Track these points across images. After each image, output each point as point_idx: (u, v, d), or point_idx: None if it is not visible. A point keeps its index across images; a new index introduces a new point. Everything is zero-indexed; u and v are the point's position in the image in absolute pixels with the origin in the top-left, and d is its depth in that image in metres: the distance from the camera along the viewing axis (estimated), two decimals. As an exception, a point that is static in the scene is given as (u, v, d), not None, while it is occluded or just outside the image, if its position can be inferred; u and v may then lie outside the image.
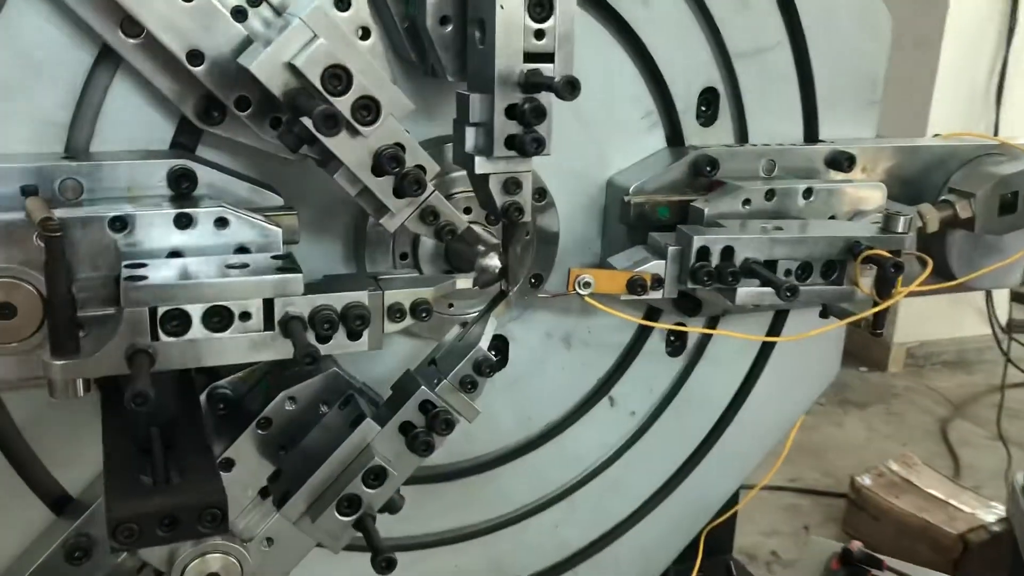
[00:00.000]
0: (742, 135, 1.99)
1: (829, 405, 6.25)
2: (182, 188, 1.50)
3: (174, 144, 1.57)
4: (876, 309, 1.74)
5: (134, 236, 1.41)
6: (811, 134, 2.05)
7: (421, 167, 1.43)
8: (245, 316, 1.34)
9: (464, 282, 1.56)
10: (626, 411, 2.11)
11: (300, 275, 1.36)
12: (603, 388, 2.07)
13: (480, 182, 1.52)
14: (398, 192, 1.42)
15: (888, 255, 1.65)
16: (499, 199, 1.51)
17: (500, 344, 1.96)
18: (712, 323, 2.10)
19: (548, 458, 2.07)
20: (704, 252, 1.70)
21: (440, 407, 1.51)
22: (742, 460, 2.26)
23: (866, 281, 1.76)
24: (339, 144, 1.36)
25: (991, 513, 4.29)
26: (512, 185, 1.51)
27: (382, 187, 1.42)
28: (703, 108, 1.96)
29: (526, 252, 1.86)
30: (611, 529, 2.17)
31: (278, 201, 1.58)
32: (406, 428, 1.51)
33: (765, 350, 2.18)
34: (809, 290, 1.70)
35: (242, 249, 1.47)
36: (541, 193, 1.84)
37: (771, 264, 1.72)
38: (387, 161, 1.37)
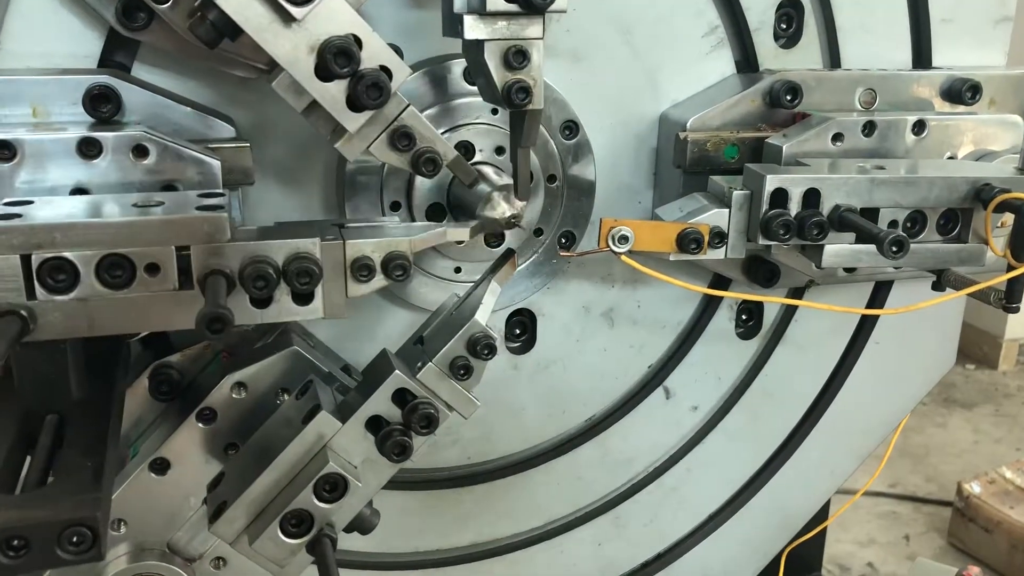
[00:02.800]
0: (833, 59, 1.59)
1: (931, 404, 6.00)
2: (102, 112, 1.19)
3: (105, 63, 1.26)
4: (1012, 274, 1.30)
5: (27, 168, 1.11)
6: (922, 59, 1.63)
7: (385, 68, 1.07)
8: (152, 269, 1.01)
9: (458, 232, 1.19)
10: (686, 405, 1.73)
11: (224, 215, 1.02)
12: (657, 377, 1.71)
13: (475, 56, 1.16)
14: (353, 102, 1.06)
15: (1034, 199, 1.22)
16: (499, 77, 1.15)
17: (526, 320, 1.60)
18: (794, 298, 1.69)
19: (588, 461, 1.72)
20: (781, 196, 1.30)
21: (420, 398, 1.15)
22: (832, 468, 1.86)
23: (998, 240, 1.33)
24: (267, 34, 1.01)
25: None
26: (516, 56, 1.15)
27: (332, 96, 1.06)
28: (783, 25, 1.58)
29: (554, 203, 1.49)
30: (667, 549, 1.84)
31: (230, 132, 1.26)
32: (376, 424, 1.16)
33: (862, 332, 1.78)
34: (922, 248, 1.29)
35: (169, 187, 1.15)
36: (572, 128, 1.47)
37: (871, 213, 1.31)
38: (333, 57, 1.01)
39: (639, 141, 1.56)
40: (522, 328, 1.61)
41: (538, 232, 1.50)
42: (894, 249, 1.17)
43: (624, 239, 1.29)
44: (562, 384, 1.65)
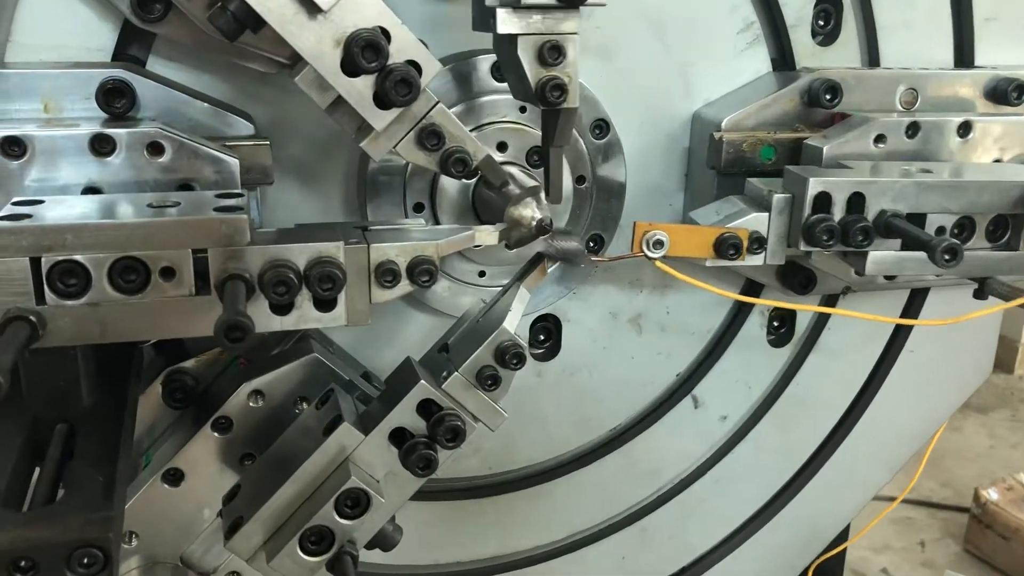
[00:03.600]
0: (872, 57, 1.53)
1: None
2: (116, 107, 1.14)
3: (119, 56, 1.21)
4: (1067, 284, 1.24)
5: (38, 165, 1.06)
6: (963, 58, 1.56)
7: (414, 63, 1.01)
8: (168, 273, 0.96)
9: (486, 236, 1.13)
10: (715, 414, 1.67)
11: (244, 217, 0.97)
12: (685, 385, 1.65)
13: (506, 51, 1.11)
14: (380, 99, 1.01)
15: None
16: (532, 73, 1.09)
17: (550, 326, 1.55)
18: (828, 305, 1.63)
19: (614, 471, 1.66)
20: (824, 200, 1.24)
21: (446, 409, 1.10)
22: (864, 479, 1.81)
23: (1049, 245, 1.27)
24: (290, 26, 0.95)
25: None
26: (551, 52, 1.09)
27: (358, 93, 1.00)
28: (820, 22, 1.52)
29: (582, 205, 1.43)
30: (693, 563, 1.78)
31: (248, 129, 1.21)
32: (399, 437, 1.10)
33: (896, 340, 1.72)
34: (970, 256, 1.22)
35: (186, 187, 1.09)
36: (602, 127, 1.42)
37: (917, 219, 1.25)
38: (361, 51, 0.96)
39: (670, 141, 1.50)
40: (547, 334, 1.56)
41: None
42: (947, 257, 1.12)
43: (659, 244, 1.24)
44: (587, 392, 1.60)
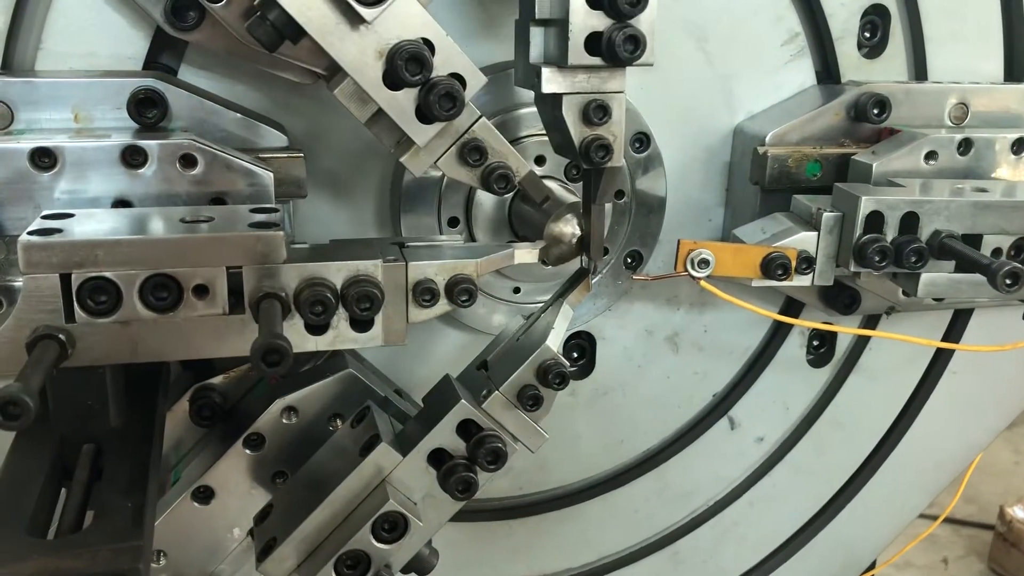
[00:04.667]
0: (919, 70, 1.48)
1: None
2: (147, 117, 1.11)
3: (150, 65, 1.18)
4: None
5: (68, 177, 1.03)
6: (1014, 71, 1.51)
7: (458, 76, 0.97)
8: (201, 291, 0.92)
9: (527, 254, 1.10)
10: (752, 436, 1.63)
11: (280, 234, 0.93)
12: (722, 406, 1.61)
13: (551, 109, 1.07)
14: (423, 113, 0.97)
15: None
16: (576, 132, 1.05)
17: (584, 344, 1.50)
18: (870, 325, 1.58)
19: (646, 494, 1.62)
20: (876, 220, 1.19)
21: (487, 430, 1.06)
22: (902, 504, 1.75)
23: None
24: (332, 36, 0.92)
25: None
26: (596, 111, 1.05)
27: (400, 107, 0.97)
28: (867, 34, 1.47)
29: (621, 220, 1.39)
30: None
31: (281, 141, 1.17)
32: (439, 458, 1.06)
33: (939, 361, 1.67)
34: (1032, 279, 1.17)
35: (218, 200, 1.06)
36: (642, 140, 1.37)
37: (972, 240, 1.20)
38: (404, 64, 0.92)
39: (711, 155, 1.46)
40: (580, 352, 1.51)
41: (603, 252, 1.40)
42: (1008, 282, 1.07)
43: (705, 263, 1.19)
44: (621, 412, 1.55)
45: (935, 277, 1.22)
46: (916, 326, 1.60)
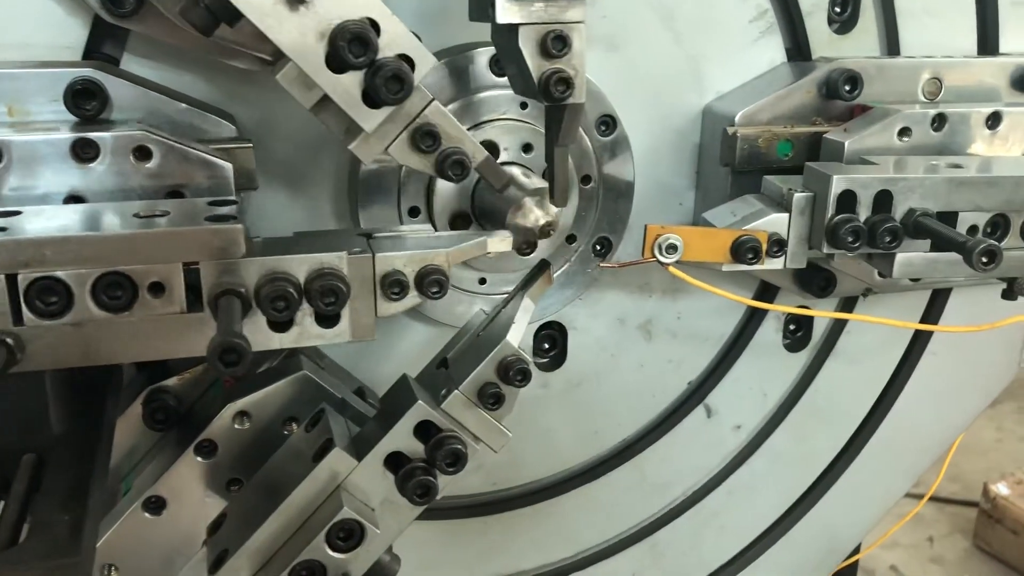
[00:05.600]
0: (891, 46, 1.44)
1: None
2: (85, 109, 1.05)
3: (91, 55, 1.12)
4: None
5: (15, 173, 0.98)
6: (987, 45, 1.48)
7: (406, 58, 0.93)
8: (156, 289, 0.88)
9: (499, 243, 1.05)
10: (729, 424, 1.59)
11: (239, 227, 0.89)
12: (697, 394, 1.57)
13: (506, 42, 1.02)
14: (370, 97, 0.92)
15: None
16: (535, 66, 1.00)
17: (555, 334, 1.46)
18: (847, 307, 1.55)
19: (623, 486, 1.58)
20: (848, 199, 1.15)
21: (446, 431, 1.01)
22: (884, 488, 1.73)
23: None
24: (269, 19, 0.87)
25: None
26: (555, 42, 1.00)
27: (345, 90, 0.92)
28: (837, 9, 1.43)
29: (588, 206, 1.35)
30: None
31: (230, 131, 1.12)
32: (396, 461, 1.02)
33: (918, 343, 1.64)
34: (1007, 256, 1.14)
35: (175, 194, 1.01)
36: (608, 123, 1.33)
37: (947, 218, 1.17)
38: (347, 45, 0.87)
39: (681, 137, 1.42)
40: (552, 343, 1.47)
41: (571, 239, 1.36)
42: (984, 260, 1.03)
43: (673, 248, 1.15)
44: (595, 403, 1.51)
45: (911, 257, 1.19)
46: (894, 307, 1.57)
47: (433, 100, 0.98)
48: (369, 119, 0.93)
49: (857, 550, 1.84)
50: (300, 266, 0.94)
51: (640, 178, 1.40)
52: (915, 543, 4.58)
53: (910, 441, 1.70)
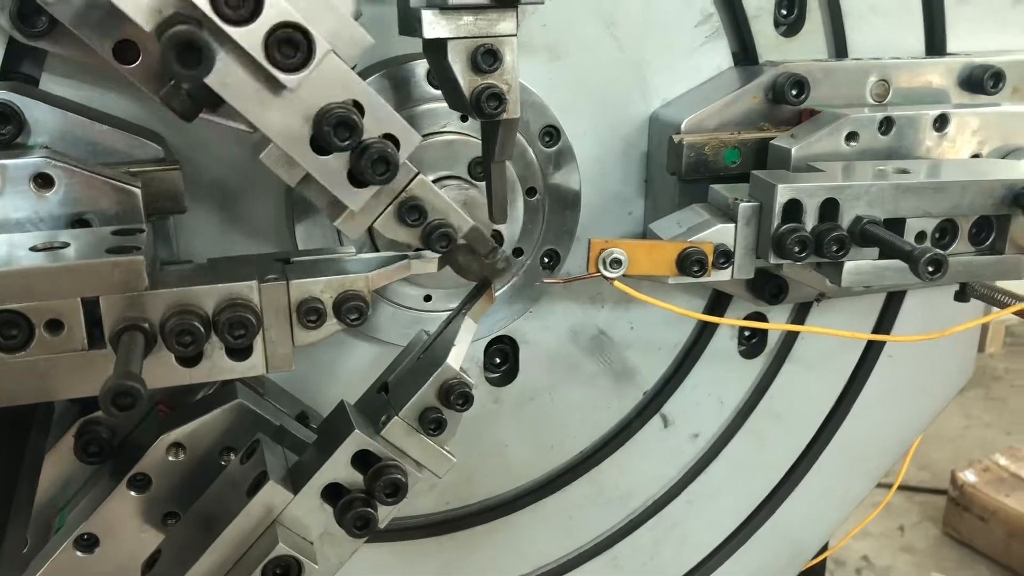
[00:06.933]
0: (838, 48, 1.43)
1: None
2: (0, 133, 1.00)
3: (8, 75, 1.08)
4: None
5: (-91, 205, 0.92)
6: (936, 45, 1.47)
7: (391, 137, 0.90)
8: (54, 326, 0.84)
9: (423, 264, 1.02)
10: (686, 433, 1.58)
11: (140, 259, 0.85)
12: (654, 404, 1.55)
13: (436, 57, 1.00)
14: (356, 177, 0.89)
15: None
16: (465, 82, 0.98)
17: (507, 349, 1.43)
18: (801, 313, 1.53)
19: (580, 499, 1.56)
20: (794, 208, 1.13)
21: (385, 460, 0.98)
22: (844, 492, 1.71)
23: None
24: (253, 105, 0.83)
25: None
26: (485, 57, 0.98)
27: (330, 172, 0.89)
28: (783, 12, 1.41)
29: (534, 219, 1.32)
30: None
31: (156, 153, 1.08)
32: (334, 493, 0.99)
33: (874, 345, 1.63)
34: (956, 261, 1.13)
35: (81, 223, 0.97)
36: (552, 134, 1.30)
37: (895, 224, 1.15)
38: (333, 129, 0.84)
39: (628, 145, 1.39)
40: (503, 357, 1.45)
41: (518, 252, 1.33)
42: (931, 269, 1.02)
43: (617, 262, 1.13)
44: (549, 416, 1.49)
45: (859, 265, 1.17)
46: (848, 312, 1.56)
47: (418, 174, 0.96)
48: (355, 198, 0.91)
49: (825, 547, 1.83)
50: (208, 297, 0.91)
51: (588, 188, 1.37)
52: (886, 532, 4.61)
53: (869, 444, 1.69)
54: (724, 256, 1.17)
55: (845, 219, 1.14)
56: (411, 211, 0.99)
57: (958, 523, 4.43)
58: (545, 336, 1.44)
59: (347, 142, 0.88)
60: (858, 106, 1.35)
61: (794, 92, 1.31)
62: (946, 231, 1.19)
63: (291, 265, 0.99)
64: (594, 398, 1.50)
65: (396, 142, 0.92)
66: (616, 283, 1.14)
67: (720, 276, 1.18)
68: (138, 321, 0.85)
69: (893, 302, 1.59)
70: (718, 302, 1.49)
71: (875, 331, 1.61)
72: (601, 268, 1.13)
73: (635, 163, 1.40)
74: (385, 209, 0.98)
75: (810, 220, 1.14)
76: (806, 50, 1.42)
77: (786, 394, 1.60)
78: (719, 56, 1.39)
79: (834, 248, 1.11)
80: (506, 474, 1.50)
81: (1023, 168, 1.22)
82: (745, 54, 1.40)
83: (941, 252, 1.01)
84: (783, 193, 1.13)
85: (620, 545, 1.59)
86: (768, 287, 1.40)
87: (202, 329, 0.87)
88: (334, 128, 0.87)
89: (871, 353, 1.62)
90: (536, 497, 1.52)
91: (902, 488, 4.94)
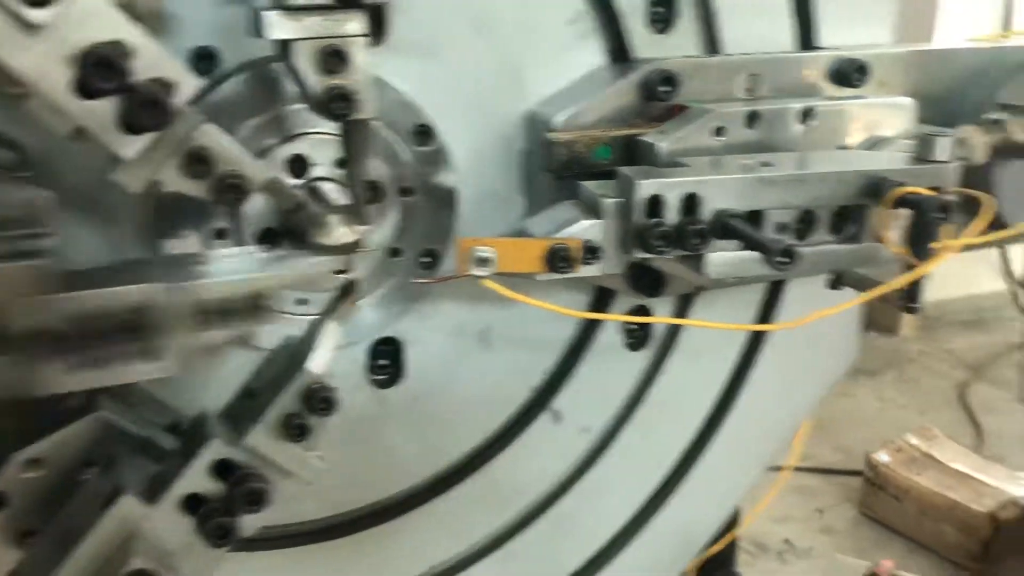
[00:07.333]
0: (713, 43, 1.45)
1: None
2: None
3: None
4: (914, 275, 1.19)
5: None
6: (807, 39, 1.50)
7: (164, 81, 0.87)
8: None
9: (314, 264, 1.01)
10: (576, 427, 1.58)
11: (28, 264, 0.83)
12: (542, 399, 1.55)
13: (285, 59, 0.99)
14: (128, 123, 0.87)
15: (930, 193, 1.11)
16: (312, 83, 0.96)
17: (391, 349, 1.42)
18: (686, 303, 1.56)
19: (472, 497, 1.55)
20: (657, 204, 1.15)
21: (245, 468, 0.97)
22: (736, 477, 1.74)
23: (894, 235, 1.22)
24: (5, 46, 0.81)
25: (1021, 486, 4.01)
26: (332, 58, 0.96)
27: (98, 118, 0.86)
28: (658, 8, 1.42)
29: (411, 218, 1.31)
30: None
31: (9, 160, 1.05)
32: (193, 503, 0.97)
33: (760, 333, 1.64)
34: (813, 252, 1.16)
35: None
36: (425, 133, 1.30)
37: (757, 217, 1.18)
38: (94, 71, 0.82)
39: (507, 143, 1.39)
40: (388, 358, 1.43)
41: (395, 252, 1.33)
42: (782, 259, 1.04)
43: (484, 261, 1.13)
44: (438, 416, 1.48)
45: (724, 257, 1.19)
46: (732, 300, 1.58)
47: (203, 121, 0.93)
48: (127, 146, 0.88)
49: (734, 524, 1.86)
50: (111, 300, 0.88)
51: (467, 187, 1.37)
52: (806, 515, 4.70)
53: (759, 428, 1.72)
54: (591, 252, 1.18)
55: (707, 213, 1.16)
56: (196, 161, 0.95)
57: (874, 503, 4.54)
58: (431, 336, 1.44)
59: (112, 84, 0.85)
60: (729, 101, 1.38)
61: (663, 88, 1.33)
62: (807, 221, 1.22)
63: (190, 267, 0.97)
64: (482, 396, 1.50)
65: (171, 86, 0.89)
66: (486, 282, 1.15)
67: (589, 272, 1.19)
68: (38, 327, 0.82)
69: (777, 288, 1.63)
70: (603, 297, 1.51)
71: (760, 320, 1.64)
72: (470, 267, 1.13)
73: (514, 161, 1.40)
74: (169, 160, 0.94)
75: (673, 214, 1.16)
76: (680, 47, 1.43)
77: (673, 385, 1.62)
78: (594, 53, 1.40)
79: (694, 241, 1.13)
80: (395, 476, 1.49)
81: (879, 159, 1.26)
82: (621, 52, 1.41)
83: (791, 243, 1.04)
84: (644, 188, 1.15)
85: (514, 542, 1.60)
86: (646, 280, 1.42)
87: (105, 333, 0.85)
88: (94, 69, 0.84)
89: (756, 342, 1.66)
90: (427, 497, 1.51)
91: (821, 471, 5.05)
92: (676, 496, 1.69)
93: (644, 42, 1.41)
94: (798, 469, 4.99)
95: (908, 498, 4.31)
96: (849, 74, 1.43)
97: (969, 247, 1.23)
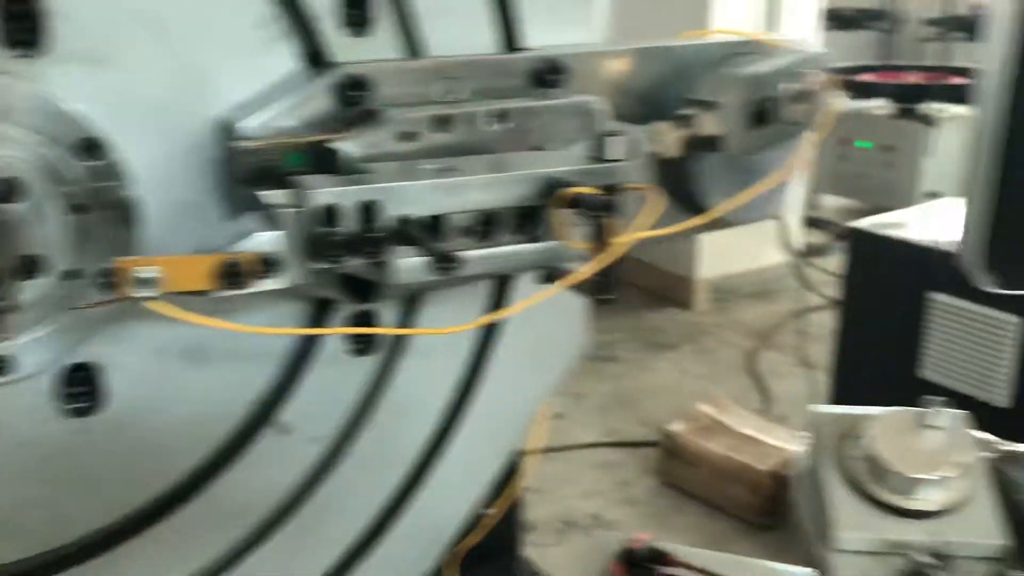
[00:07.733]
0: (414, 46, 1.45)
1: (640, 351, 6.28)
2: None
3: None
4: (594, 269, 1.24)
5: None
6: (512, 40, 1.53)
7: None
8: None
9: None
10: (305, 437, 1.56)
11: None
12: (266, 412, 1.51)
13: None
14: None
15: (594, 192, 1.15)
16: None
17: (85, 376, 1.34)
18: (414, 304, 1.56)
19: (195, 520, 1.50)
20: (333, 212, 1.14)
21: None
22: (478, 471, 1.77)
23: (580, 231, 1.26)
24: None
25: (801, 444, 4.32)
26: None
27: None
28: (352, 10, 1.40)
29: (84, 238, 1.24)
30: None
31: None
32: None
33: (492, 327, 1.67)
34: (495, 254, 1.18)
35: None
36: (92, 147, 1.23)
37: (439, 221, 1.19)
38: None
39: (199, 152, 1.33)
40: (84, 385, 1.35)
41: (74, 274, 1.25)
42: (441, 266, 1.06)
43: (149, 282, 1.08)
44: (150, 440, 1.41)
45: (410, 263, 1.20)
46: (460, 299, 1.59)
47: None
48: None
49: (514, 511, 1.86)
50: None
51: (155, 202, 1.30)
52: (611, 488, 4.89)
53: (497, 420, 1.75)
54: (268, 264, 1.16)
55: (386, 219, 1.16)
56: None
57: (672, 471, 4.78)
58: (131, 359, 1.36)
59: None
60: (426, 104, 1.39)
61: (353, 93, 1.32)
62: (492, 223, 1.24)
63: None
64: (198, 415, 1.45)
65: None
66: (153, 304, 1.10)
67: (269, 285, 1.17)
68: None
69: (505, 285, 1.65)
70: (326, 304, 1.49)
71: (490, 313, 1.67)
72: (132, 289, 1.08)
73: (208, 170, 1.35)
74: None
75: (351, 223, 1.15)
76: (380, 50, 1.42)
77: (407, 386, 1.61)
78: (286, 58, 1.36)
79: (369, 250, 1.13)
80: (104, 508, 1.41)
81: (556, 160, 1.30)
82: (316, 56, 1.39)
83: (449, 250, 1.05)
84: (315, 197, 1.13)
85: (248, 560, 1.55)
86: (356, 286, 1.41)
87: None
88: None
89: (487, 336, 1.68)
90: (144, 526, 1.44)
91: (624, 445, 5.26)
92: (420, 495, 1.70)
93: (340, 46, 1.39)
94: (604, 445, 5.17)
95: (702, 464, 4.55)
96: (545, 75, 1.47)
97: (651, 240, 1.29)
